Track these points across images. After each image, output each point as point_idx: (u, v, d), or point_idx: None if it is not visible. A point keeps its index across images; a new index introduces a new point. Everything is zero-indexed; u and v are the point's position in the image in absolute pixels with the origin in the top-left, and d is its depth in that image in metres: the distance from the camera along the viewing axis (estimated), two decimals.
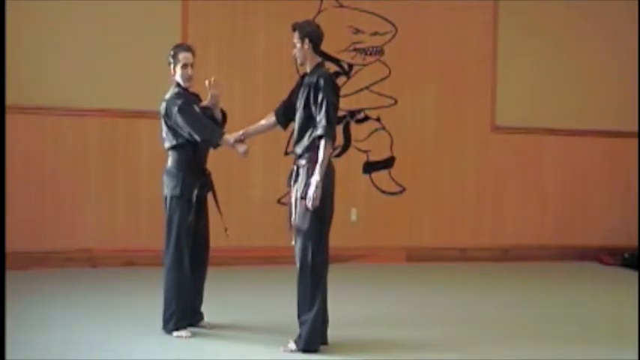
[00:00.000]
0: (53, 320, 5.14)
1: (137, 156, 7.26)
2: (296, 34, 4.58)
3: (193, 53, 4.93)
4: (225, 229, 4.94)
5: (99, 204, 7.17)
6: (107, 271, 6.94)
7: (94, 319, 5.22)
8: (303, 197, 4.44)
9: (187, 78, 4.90)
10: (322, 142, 4.42)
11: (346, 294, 5.97)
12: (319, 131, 4.42)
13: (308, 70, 4.63)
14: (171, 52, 4.92)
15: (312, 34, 4.57)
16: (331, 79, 4.57)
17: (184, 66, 4.87)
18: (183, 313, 4.85)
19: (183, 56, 4.87)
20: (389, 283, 6.96)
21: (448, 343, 4.96)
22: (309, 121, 4.51)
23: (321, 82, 4.46)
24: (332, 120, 4.44)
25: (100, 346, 4.61)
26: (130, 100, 7.20)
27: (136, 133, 7.26)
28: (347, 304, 5.62)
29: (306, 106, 4.52)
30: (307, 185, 4.43)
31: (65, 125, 7.07)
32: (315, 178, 4.39)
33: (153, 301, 5.82)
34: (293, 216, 4.57)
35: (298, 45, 4.58)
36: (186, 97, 4.88)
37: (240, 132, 4.81)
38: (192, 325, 4.93)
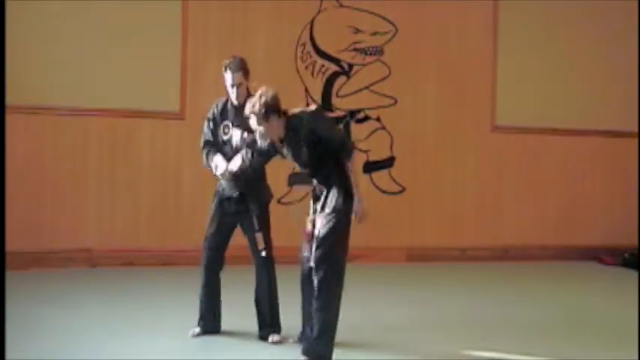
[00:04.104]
0: (53, 320, 5.14)
1: (137, 156, 7.26)
2: (261, 118, 4.30)
3: (234, 70, 4.74)
4: (261, 249, 4.79)
5: (99, 204, 7.17)
6: (107, 271, 6.93)
7: (94, 319, 5.22)
8: (333, 212, 4.32)
9: (235, 97, 4.80)
10: (348, 163, 4.34)
11: (346, 294, 5.96)
12: (343, 154, 4.33)
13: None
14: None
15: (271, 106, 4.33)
16: (308, 118, 4.37)
17: (231, 86, 4.79)
18: (202, 314, 4.90)
19: (226, 76, 4.78)
20: (389, 283, 6.96)
21: (448, 343, 4.97)
22: (319, 159, 4.38)
23: (306, 129, 4.29)
24: (344, 138, 4.42)
25: (99, 346, 4.61)
26: (130, 100, 7.20)
27: (136, 133, 7.26)
28: (347, 304, 5.60)
29: (309, 148, 4.34)
30: (335, 205, 4.33)
31: (65, 125, 7.06)
32: (357, 196, 4.35)
33: (153, 301, 5.84)
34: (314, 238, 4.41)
35: (267, 128, 4.34)
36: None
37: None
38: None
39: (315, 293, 4.35)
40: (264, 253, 4.74)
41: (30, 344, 4.55)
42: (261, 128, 4.33)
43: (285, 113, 4.38)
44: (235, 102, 4.80)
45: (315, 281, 4.35)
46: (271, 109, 4.29)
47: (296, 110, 4.43)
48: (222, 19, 7.49)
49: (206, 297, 4.91)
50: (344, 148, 4.35)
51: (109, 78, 7.12)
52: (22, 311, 5.25)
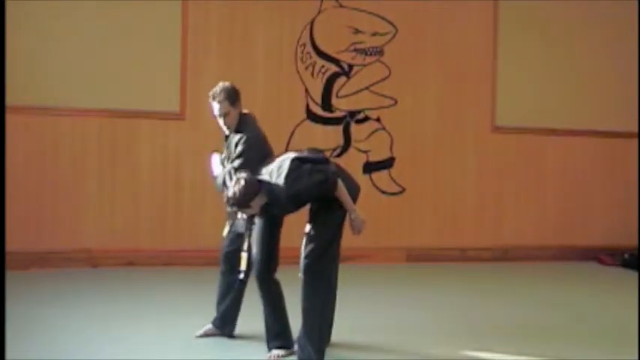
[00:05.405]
0: (53, 320, 5.14)
1: (137, 156, 7.26)
2: (245, 207, 4.27)
3: (219, 100, 4.61)
4: (240, 270, 4.61)
5: (99, 204, 7.16)
6: (107, 271, 6.93)
7: (94, 319, 5.22)
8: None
9: (224, 126, 4.67)
10: (335, 193, 4.29)
11: (346, 294, 5.97)
12: (326, 191, 4.29)
13: None
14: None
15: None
16: (287, 186, 4.22)
17: (218, 116, 4.66)
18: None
19: (213, 106, 4.65)
20: (389, 283, 6.96)
21: (448, 343, 4.97)
22: (304, 204, 4.40)
23: (288, 195, 4.22)
24: (323, 178, 4.24)
25: (99, 346, 4.61)
26: (130, 100, 7.20)
27: (136, 133, 7.26)
28: (347, 304, 5.61)
29: (294, 203, 4.34)
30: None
31: (65, 125, 7.06)
32: (354, 214, 4.40)
33: (153, 302, 5.84)
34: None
35: (251, 209, 4.30)
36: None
37: None
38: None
39: (302, 296, 4.35)
40: (241, 276, 4.52)
41: (30, 344, 4.55)
42: (245, 212, 4.34)
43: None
44: (226, 132, 4.68)
45: (302, 288, 4.35)
46: (251, 196, 4.19)
47: (273, 171, 4.28)
48: (222, 19, 7.49)
49: (217, 296, 4.88)
50: (326, 186, 4.25)
51: (109, 78, 7.12)
52: (22, 311, 5.25)
